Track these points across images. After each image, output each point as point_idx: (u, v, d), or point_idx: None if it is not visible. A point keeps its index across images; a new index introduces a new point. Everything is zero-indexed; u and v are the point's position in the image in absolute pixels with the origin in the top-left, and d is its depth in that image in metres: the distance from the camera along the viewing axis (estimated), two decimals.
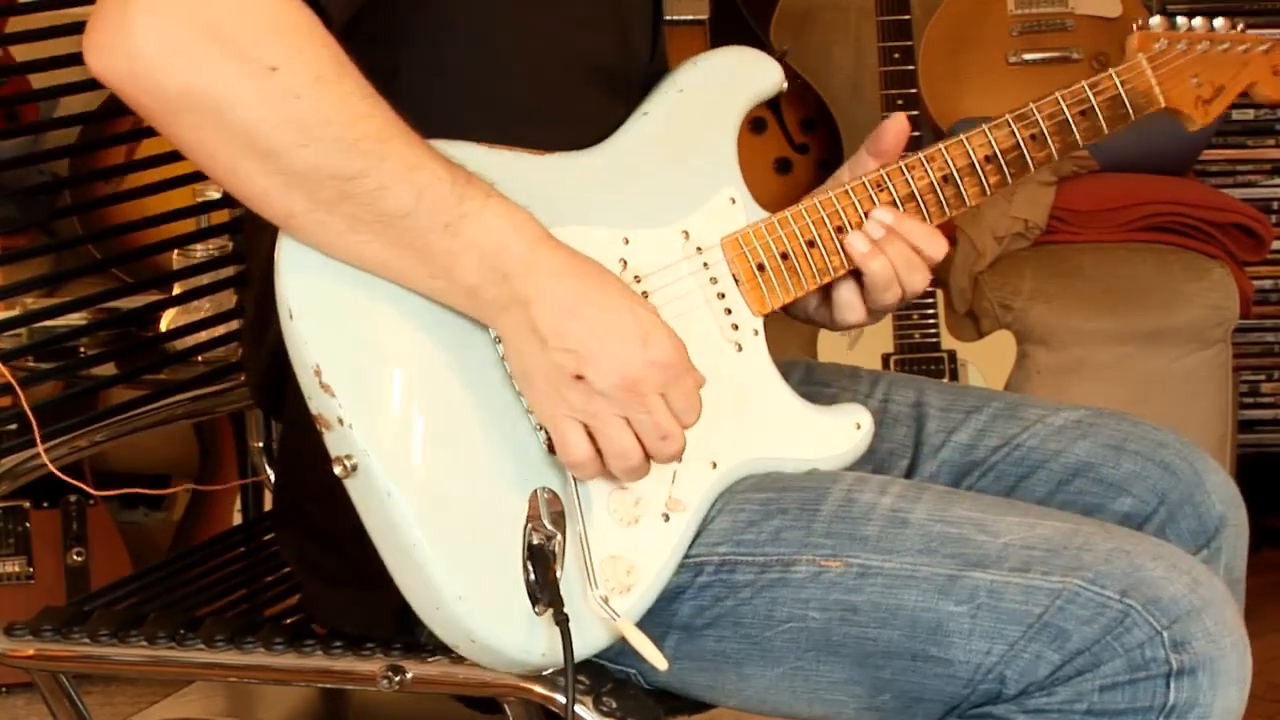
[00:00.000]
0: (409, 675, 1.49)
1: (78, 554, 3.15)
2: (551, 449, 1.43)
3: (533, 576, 1.39)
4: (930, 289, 3.21)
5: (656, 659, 1.42)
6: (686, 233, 1.56)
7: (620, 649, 1.49)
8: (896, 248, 1.59)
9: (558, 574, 1.40)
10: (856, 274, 1.62)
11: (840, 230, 1.60)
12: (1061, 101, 1.67)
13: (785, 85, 1.66)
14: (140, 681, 2.98)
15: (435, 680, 1.50)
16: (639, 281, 1.51)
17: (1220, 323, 3.27)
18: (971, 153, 1.64)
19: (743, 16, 3.78)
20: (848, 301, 1.62)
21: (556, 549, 1.40)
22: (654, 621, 1.49)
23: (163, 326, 2.59)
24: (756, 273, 1.57)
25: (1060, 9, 3.57)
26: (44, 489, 3.12)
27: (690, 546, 1.50)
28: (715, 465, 1.52)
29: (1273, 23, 3.79)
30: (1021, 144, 1.66)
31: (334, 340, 1.39)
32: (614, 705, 1.48)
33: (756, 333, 1.57)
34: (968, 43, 3.57)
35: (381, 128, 1.35)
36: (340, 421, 1.38)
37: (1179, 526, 1.63)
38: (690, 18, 3.57)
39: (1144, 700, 1.39)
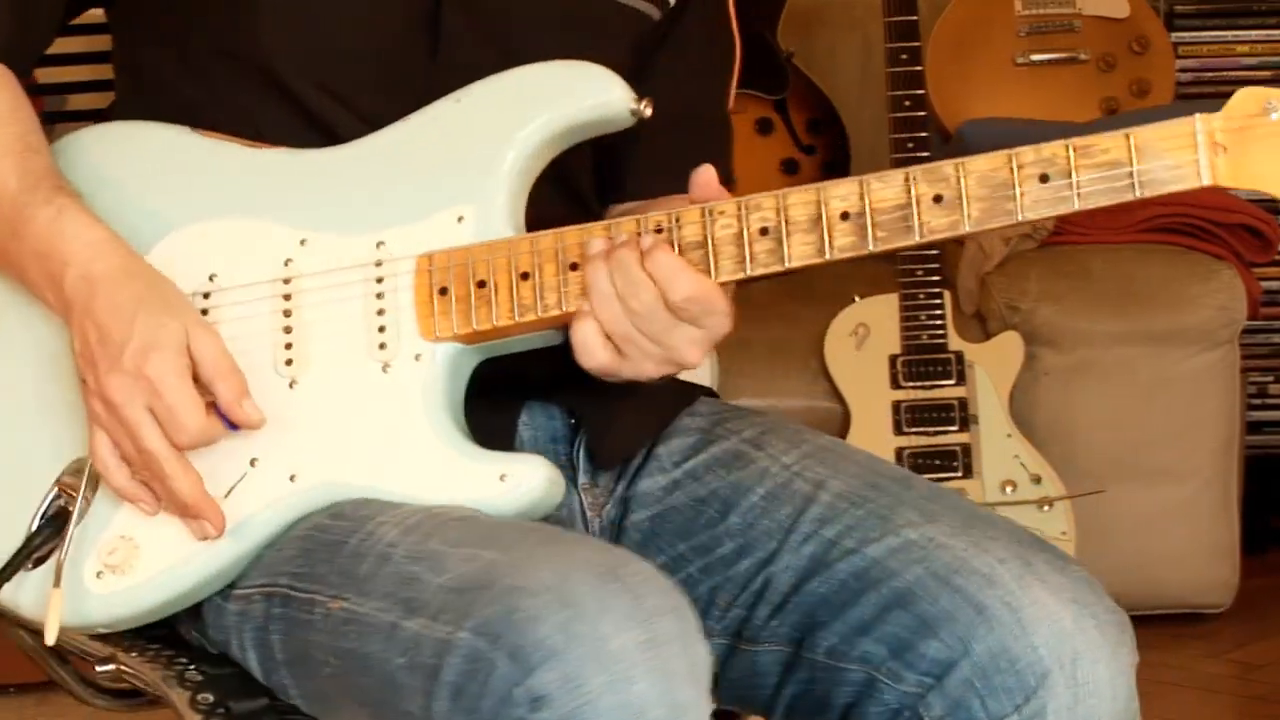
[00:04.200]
0: None
1: None
2: None
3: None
4: (938, 290, 3.21)
5: (49, 634, 1.44)
6: (381, 243, 1.48)
7: (267, 674, 1.46)
8: (635, 291, 1.38)
9: (67, 541, 1.44)
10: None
11: (574, 268, 1.42)
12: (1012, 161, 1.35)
13: (645, 111, 1.45)
14: None
15: None
16: (288, 283, 1.49)
17: (1228, 324, 3.27)
18: (823, 205, 1.39)
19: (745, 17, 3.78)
20: (582, 341, 1.41)
21: (77, 514, 1.44)
22: (268, 654, 1.45)
23: None
24: (435, 296, 1.45)
25: (1068, 10, 3.57)
26: None
27: (247, 565, 1.45)
28: (294, 478, 1.45)
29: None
30: (915, 202, 1.37)
31: None
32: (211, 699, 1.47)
33: (418, 357, 1.45)
34: (975, 44, 3.57)
35: None
36: None
37: (992, 683, 1.38)
38: None
39: None
